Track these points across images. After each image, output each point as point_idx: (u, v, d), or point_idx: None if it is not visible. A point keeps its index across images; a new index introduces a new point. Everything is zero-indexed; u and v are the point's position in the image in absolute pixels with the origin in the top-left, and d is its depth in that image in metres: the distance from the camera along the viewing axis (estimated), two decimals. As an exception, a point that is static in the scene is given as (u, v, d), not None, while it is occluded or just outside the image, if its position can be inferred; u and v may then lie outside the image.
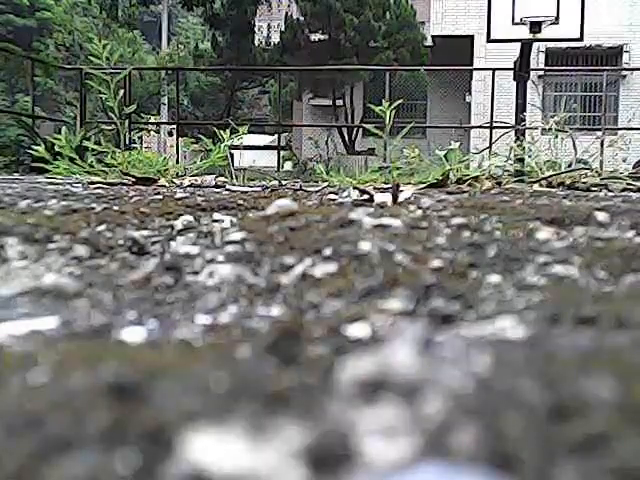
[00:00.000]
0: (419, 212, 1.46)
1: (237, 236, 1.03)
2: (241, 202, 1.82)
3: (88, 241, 1.09)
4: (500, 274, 0.79)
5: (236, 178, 4.43)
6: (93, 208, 1.63)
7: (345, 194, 2.17)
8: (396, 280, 0.71)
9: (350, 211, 1.27)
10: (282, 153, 12.11)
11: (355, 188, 2.16)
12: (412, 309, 0.58)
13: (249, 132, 6.04)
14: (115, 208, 1.62)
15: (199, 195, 2.17)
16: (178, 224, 1.37)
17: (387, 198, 1.98)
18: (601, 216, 1.32)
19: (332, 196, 2.21)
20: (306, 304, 0.64)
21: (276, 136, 12.53)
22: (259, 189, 2.80)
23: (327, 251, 0.87)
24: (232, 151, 5.65)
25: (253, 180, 4.78)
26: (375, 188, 2.93)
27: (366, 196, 2.04)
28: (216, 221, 1.44)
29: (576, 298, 0.63)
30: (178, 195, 2.08)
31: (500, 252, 0.90)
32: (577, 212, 1.37)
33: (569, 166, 4.87)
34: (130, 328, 0.56)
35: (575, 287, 0.71)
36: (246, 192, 2.57)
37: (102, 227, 1.31)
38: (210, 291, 0.71)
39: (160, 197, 2.00)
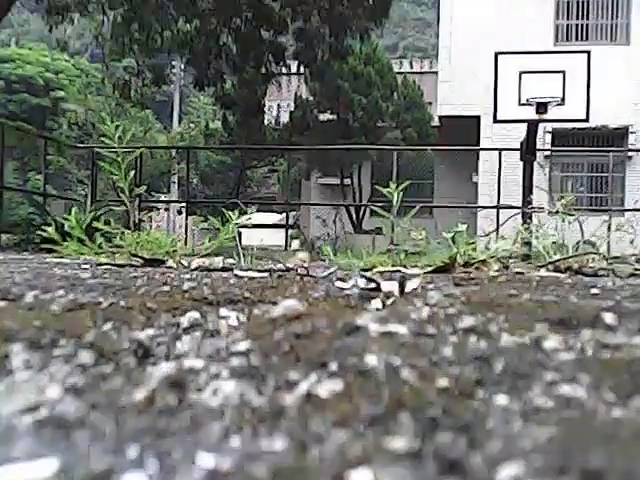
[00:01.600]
0: (426, 310, 1.47)
1: (242, 346, 1.03)
2: (248, 295, 1.83)
3: (93, 346, 1.09)
4: (507, 394, 0.78)
5: (244, 257, 4.45)
6: (100, 303, 1.64)
7: (352, 282, 2.18)
8: (402, 403, 0.71)
9: (356, 315, 1.27)
10: (290, 232, 12.19)
11: (362, 276, 2.18)
12: (418, 449, 0.57)
13: (257, 210, 6.09)
14: (122, 303, 1.63)
15: (205, 284, 2.18)
16: (184, 321, 1.38)
17: (394, 287, 2.00)
18: (609, 318, 1.33)
19: (339, 284, 2.23)
20: (310, 436, 0.63)
21: (284, 214, 12.64)
22: (266, 275, 2.82)
23: (333, 365, 0.87)
24: (240, 229, 5.69)
25: (261, 260, 4.80)
26: (382, 273, 2.95)
27: (373, 284, 2.06)
28: (222, 317, 1.45)
29: (584, 437, 0.62)
30: (185, 286, 2.09)
31: (507, 367, 0.89)
32: (584, 313, 1.38)
33: (576, 249, 4.89)
34: (130, 474, 0.55)
35: (583, 416, 0.70)
36: (254, 278, 2.58)
37: (108, 326, 1.32)
38: (213, 418, 0.70)
39: (167, 289, 2.01)
